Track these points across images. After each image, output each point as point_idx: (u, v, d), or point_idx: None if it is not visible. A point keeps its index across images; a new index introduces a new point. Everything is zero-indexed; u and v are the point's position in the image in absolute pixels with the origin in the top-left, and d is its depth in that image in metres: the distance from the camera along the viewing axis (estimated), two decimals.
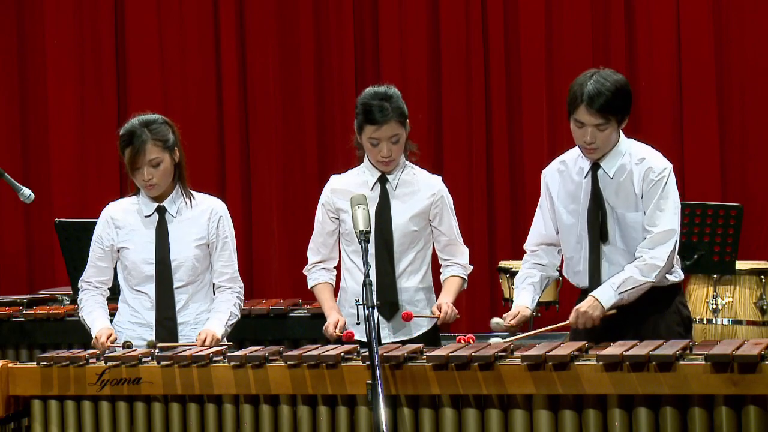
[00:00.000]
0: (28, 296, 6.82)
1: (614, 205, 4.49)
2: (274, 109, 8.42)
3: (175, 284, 4.76)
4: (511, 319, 4.52)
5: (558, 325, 4.48)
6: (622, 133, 4.53)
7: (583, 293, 4.55)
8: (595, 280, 4.50)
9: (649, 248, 4.42)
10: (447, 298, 4.75)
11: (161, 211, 4.79)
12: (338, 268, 4.93)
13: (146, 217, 4.80)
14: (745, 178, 7.93)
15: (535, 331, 4.47)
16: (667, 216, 4.45)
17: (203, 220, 4.82)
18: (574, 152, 4.59)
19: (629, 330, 4.39)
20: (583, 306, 4.40)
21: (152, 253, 4.76)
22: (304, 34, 8.40)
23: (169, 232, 4.77)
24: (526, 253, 4.74)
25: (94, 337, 4.69)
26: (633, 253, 4.46)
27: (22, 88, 8.64)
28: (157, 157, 4.70)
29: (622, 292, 4.40)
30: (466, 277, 4.89)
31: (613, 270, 4.48)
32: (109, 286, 4.91)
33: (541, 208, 4.67)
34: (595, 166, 4.50)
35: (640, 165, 4.48)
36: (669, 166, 4.51)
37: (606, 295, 4.40)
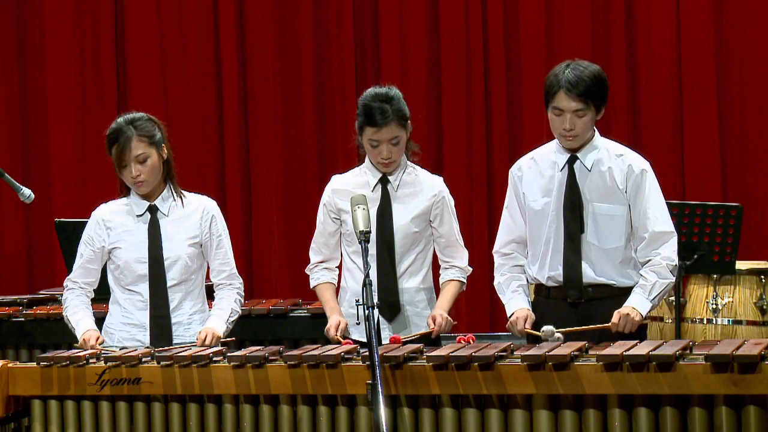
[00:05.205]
0: (28, 296, 6.82)
1: (590, 198, 4.55)
2: (274, 109, 8.41)
3: (168, 282, 4.75)
4: (526, 324, 4.54)
5: (602, 326, 4.42)
6: (596, 130, 4.60)
7: (556, 289, 4.56)
8: (574, 272, 4.53)
9: (655, 250, 4.50)
10: (442, 308, 4.74)
11: (153, 209, 4.79)
12: (340, 267, 4.93)
13: (138, 216, 4.79)
14: (745, 178, 7.91)
15: (579, 328, 4.42)
16: (661, 217, 4.54)
17: (195, 219, 4.81)
18: (545, 148, 4.67)
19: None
20: (625, 309, 4.43)
21: (145, 251, 4.75)
22: (304, 34, 8.39)
23: (162, 230, 4.77)
24: (496, 257, 4.73)
25: (80, 339, 4.67)
26: (605, 248, 4.52)
27: (22, 87, 8.63)
28: (143, 152, 4.69)
29: (653, 298, 4.47)
30: (465, 280, 4.88)
31: (585, 264, 4.52)
32: (95, 287, 4.90)
33: (508, 207, 4.71)
34: (572, 159, 4.56)
35: (620, 160, 4.57)
36: (648, 163, 4.60)
37: (641, 304, 4.45)
